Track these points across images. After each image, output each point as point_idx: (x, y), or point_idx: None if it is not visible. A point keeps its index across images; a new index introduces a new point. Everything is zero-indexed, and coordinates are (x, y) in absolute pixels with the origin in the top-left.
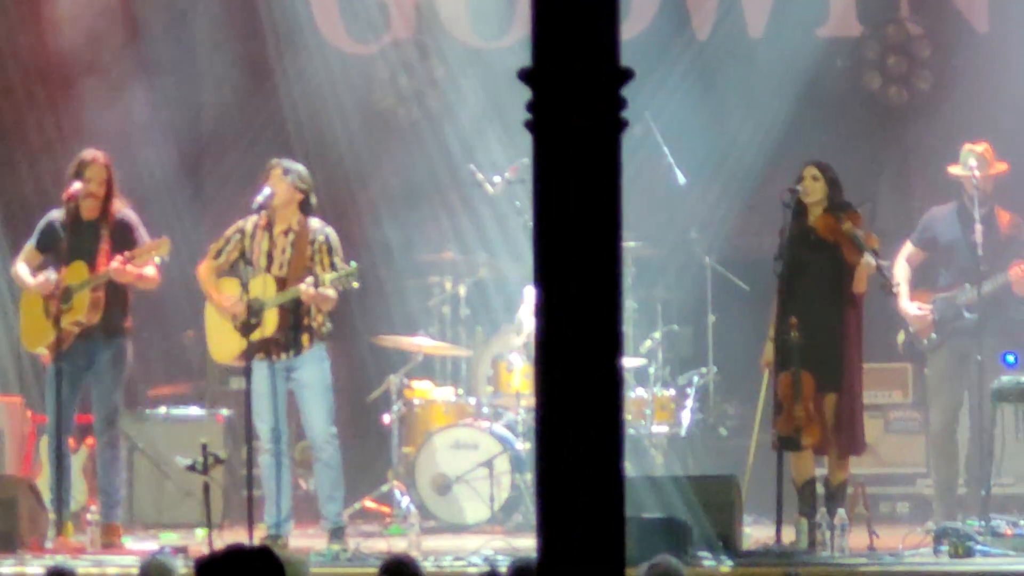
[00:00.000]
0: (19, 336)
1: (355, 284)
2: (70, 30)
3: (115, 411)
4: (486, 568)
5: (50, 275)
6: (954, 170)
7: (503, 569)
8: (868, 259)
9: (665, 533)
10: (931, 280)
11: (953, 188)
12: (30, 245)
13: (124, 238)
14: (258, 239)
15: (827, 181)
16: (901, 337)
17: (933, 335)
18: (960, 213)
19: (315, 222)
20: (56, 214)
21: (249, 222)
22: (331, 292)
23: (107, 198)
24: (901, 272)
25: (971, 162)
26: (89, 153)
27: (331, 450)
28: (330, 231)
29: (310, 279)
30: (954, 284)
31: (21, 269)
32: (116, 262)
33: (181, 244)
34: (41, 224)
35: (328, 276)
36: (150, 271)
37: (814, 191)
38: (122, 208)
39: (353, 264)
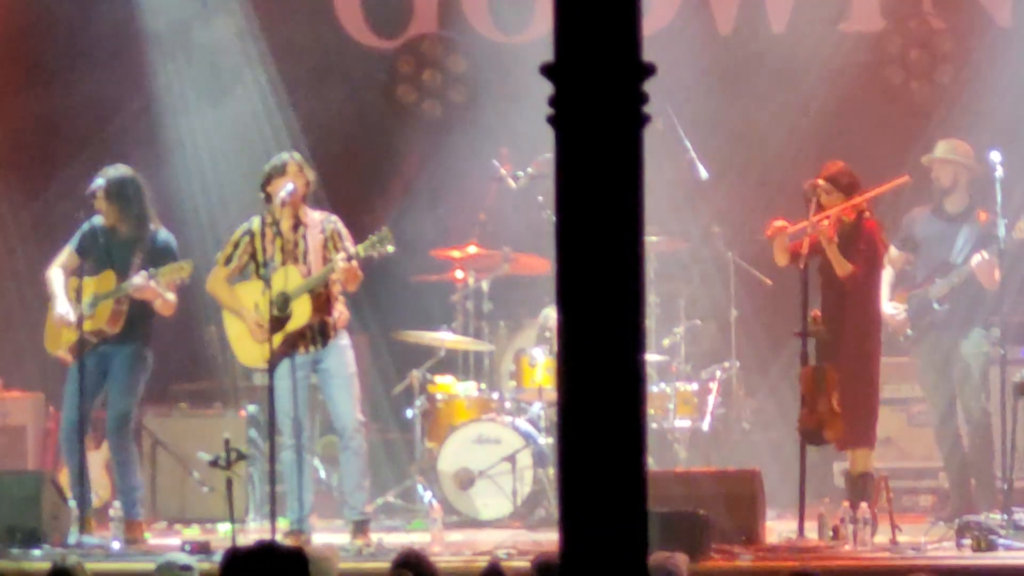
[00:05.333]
0: (42, 337)
1: (390, 248)
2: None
3: (126, 416)
4: (509, 563)
5: (70, 315)
6: (927, 158)
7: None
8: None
9: (686, 527)
10: (910, 279)
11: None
12: (69, 248)
13: (157, 258)
14: (269, 237)
15: (838, 187)
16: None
17: (908, 331)
18: (935, 212)
19: (318, 213)
20: (99, 219)
21: (255, 222)
22: (358, 271)
23: (139, 216)
24: (885, 275)
25: (961, 151)
26: (97, 179)
27: (360, 439)
28: (335, 219)
29: (342, 254)
30: (927, 280)
31: (55, 276)
32: (140, 278)
33: (201, 241)
34: (83, 227)
35: (363, 246)
36: (170, 296)
37: (830, 203)
38: (159, 229)
39: (386, 228)
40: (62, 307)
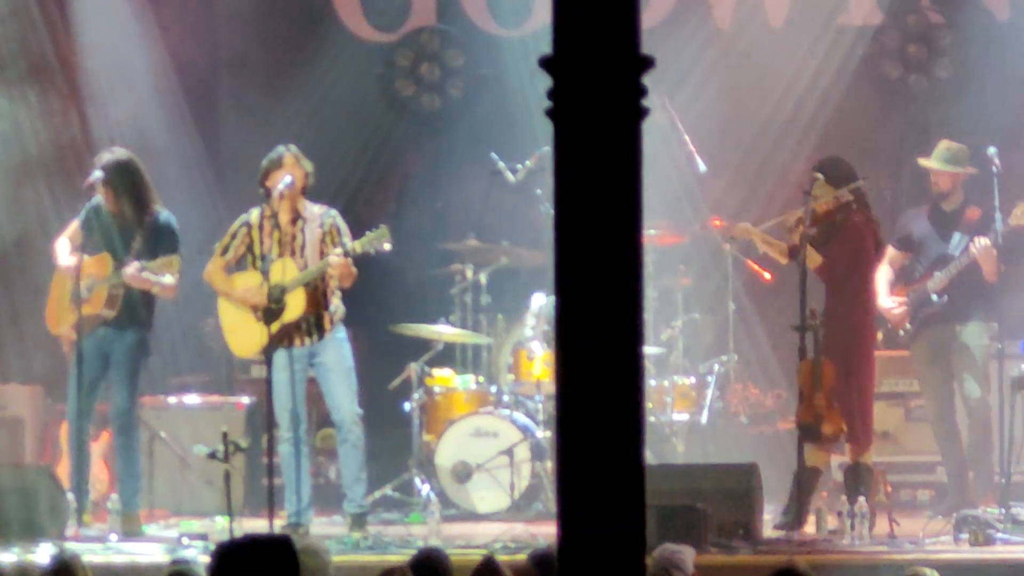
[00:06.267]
0: (40, 330)
1: (387, 245)
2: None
3: (128, 401)
4: (507, 556)
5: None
6: (926, 163)
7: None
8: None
9: (684, 521)
10: (909, 276)
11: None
12: (76, 223)
13: (158, 241)
14: (267, 230)
15: (829, 180)
16: (880, 334)
17: (908, 325)
18: (932, 212)
19: (317, 207)
20: (100, 199)
21: (253, 214)
22: (352, 268)
23: (138, 200)
24: (882, 274)
25: (961, 156)
26: (95, 171)
27: (358, 432)
28: (335, 213)
29: (338, 250)
30: (926, 276)
31: (60, 245)
32: (132, 268)
33: (201, 232)
34: (89, 203)
35: (359, 242)
36: (168, 280)
37: (821, 194)
38: (161, 211)
39: (383, 226)
40: (65, 260)
